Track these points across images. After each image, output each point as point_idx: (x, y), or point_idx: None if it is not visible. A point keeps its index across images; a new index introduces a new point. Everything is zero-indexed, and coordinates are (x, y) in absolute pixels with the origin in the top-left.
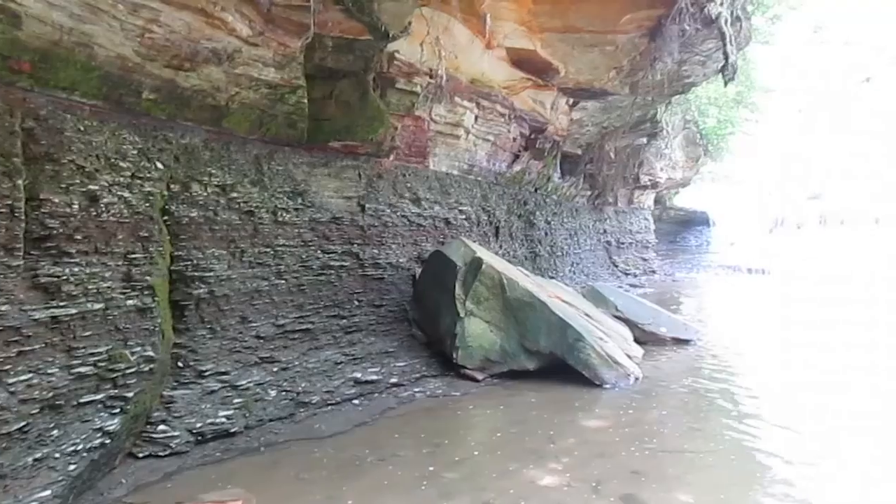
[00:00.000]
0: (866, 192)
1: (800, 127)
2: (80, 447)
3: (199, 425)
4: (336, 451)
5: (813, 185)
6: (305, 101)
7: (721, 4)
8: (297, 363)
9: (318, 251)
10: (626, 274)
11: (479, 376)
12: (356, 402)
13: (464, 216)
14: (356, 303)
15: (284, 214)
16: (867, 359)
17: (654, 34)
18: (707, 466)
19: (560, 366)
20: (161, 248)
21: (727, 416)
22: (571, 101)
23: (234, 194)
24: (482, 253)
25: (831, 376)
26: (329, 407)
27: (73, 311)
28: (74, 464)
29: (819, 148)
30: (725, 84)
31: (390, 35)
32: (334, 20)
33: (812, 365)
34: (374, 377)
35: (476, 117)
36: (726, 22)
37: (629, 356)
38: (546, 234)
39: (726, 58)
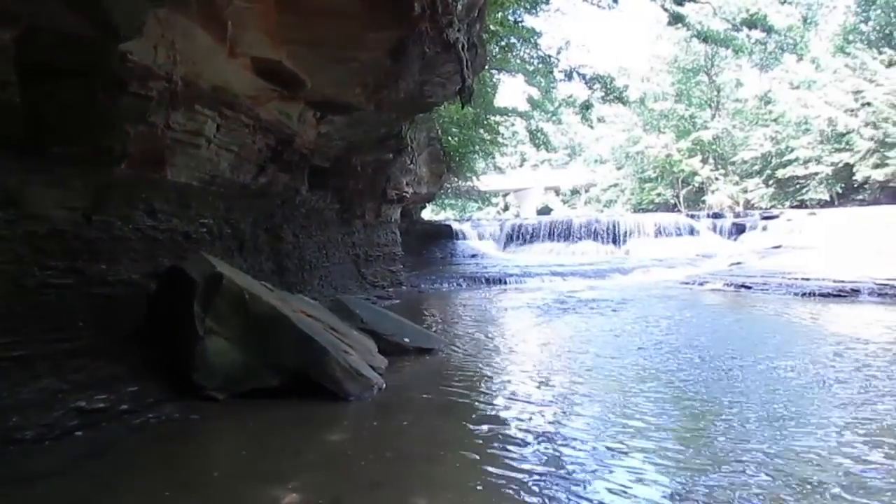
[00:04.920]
0: (590, 207)
1: (533, 148)
2: None
3: None
4: (54, 491)
5: (544, 202)
6: (18, 100)
7: (459, 31)
8: (6, 395)
9: (35, 268)
10: (375, 286)
11: (221, 396)
12: (80, 433)
13: (205, 229)
14: (81, 325)
15: None
16: (603, 349)
17: (398, 54)
18: (444, 469)
19: (305, 381)
20: None
21: (465, 419)
22: (319, 114)
23: None
24: (223, 268)
25: (569, 371)
26: (47, 442)
27: None
28: None
29: (551, 168)
30: (463, 106)
31: (121, 35)
32: (55, 12)
33: (549, 366)
34: (102, 405)
35: (218, 126)
36: (463, 48)
37: (373, 367)
38: (294, 247)
39: (463, 81)
